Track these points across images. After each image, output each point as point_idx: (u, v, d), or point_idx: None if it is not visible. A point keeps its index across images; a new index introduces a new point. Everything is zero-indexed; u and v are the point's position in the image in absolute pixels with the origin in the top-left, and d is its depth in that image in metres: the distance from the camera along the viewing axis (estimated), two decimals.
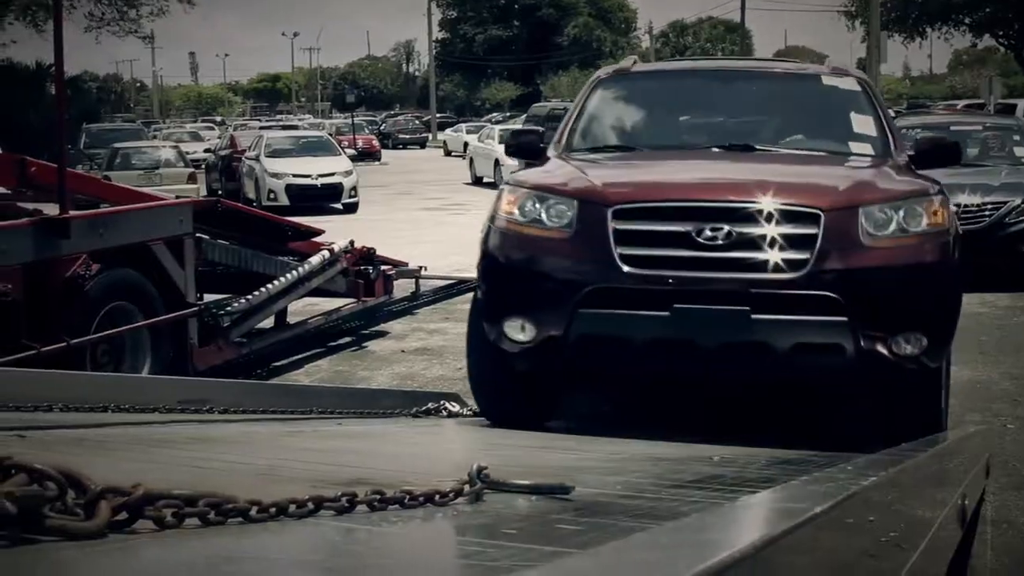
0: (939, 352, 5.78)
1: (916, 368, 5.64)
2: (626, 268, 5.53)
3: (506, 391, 6.28)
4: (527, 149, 7.09)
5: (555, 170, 6.47)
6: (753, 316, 5.41)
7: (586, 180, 6.06)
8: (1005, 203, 13.80)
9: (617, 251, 5.55)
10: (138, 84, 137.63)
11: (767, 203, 5.56)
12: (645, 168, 6.80)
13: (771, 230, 5.49)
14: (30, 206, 8.30)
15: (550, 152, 6.95)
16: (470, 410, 6.32)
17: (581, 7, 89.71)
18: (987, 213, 13.71)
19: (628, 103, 7.74)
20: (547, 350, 5.75)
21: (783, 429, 6.48)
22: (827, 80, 7.49)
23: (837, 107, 7.32)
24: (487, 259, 6.08)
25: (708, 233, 5.46)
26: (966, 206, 13.41)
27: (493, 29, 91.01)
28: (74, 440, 3.31)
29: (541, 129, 7.49)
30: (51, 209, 7.65)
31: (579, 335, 5.64)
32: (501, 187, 6.35)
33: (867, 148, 6.82)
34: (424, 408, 6.21)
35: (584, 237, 5.70)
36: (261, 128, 45.81)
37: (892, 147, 6.83)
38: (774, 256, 5.46)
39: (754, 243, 5.49)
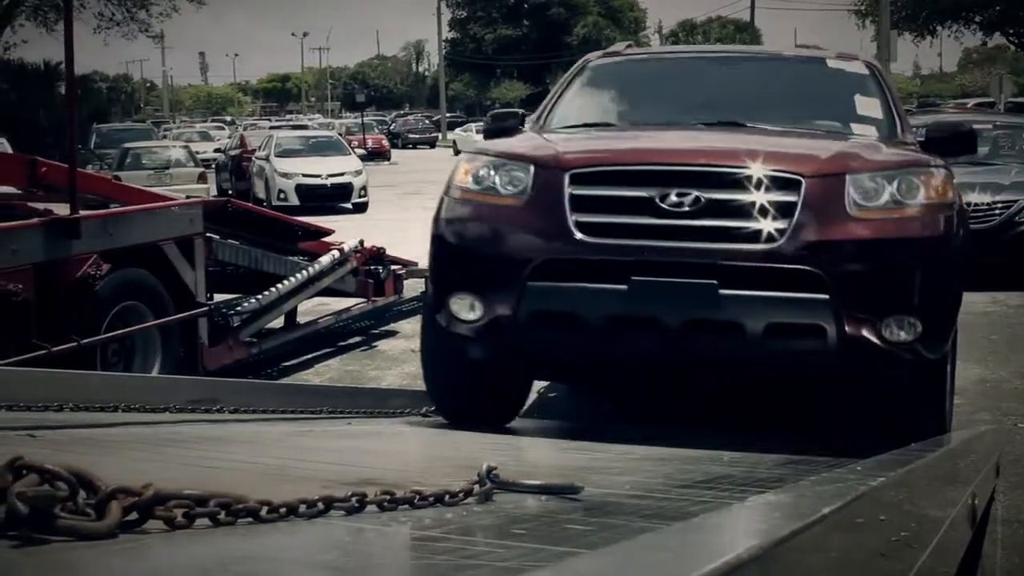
0: (937, 341, 5.17)
1: (912, 359, 5.06)
2: (580, 236, 5.02)
3: (462, 385, 5.78)
4: (507, 132, 6.53)
5: (520, 140, 6.10)
6: (721, 291, 4.88)
7: (549, 147, 5.63)
8: (1015, 202, 13.78)
9: (572, 218, 5.06)
10: (148, 84, 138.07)
11: (742, 168, 5.07)
12: (615, 137, 6.38)
13: (745, 196, 4.98)
14: (41, 206, 8.32)
15: (525, 129, 6.60)
16: None
17: (591, 6, 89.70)
18: (997, 212, 13.70)
19: (615, 83, 7.32)
20: (498, 331, 5.23)
21: (785, 430, 6.44)
22: (832, 63, 7.07)
23: (841, 89, 6.88)
24: (437, 233, 5.57)
25: (673, 199, 4.95)
26: (976, 205, 13.39)
27: (503, 29, 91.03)
28: (85, 440, 3.32)
29: (522, 111, 7.09)
30: (62, 209, 7.67)
31: (530, 312, 5.14)
32: (459, 158, 5.92)
33: (871, 130, 6.35)
34: (434, 408, 6.21)
35: (538, 205, 5.21)
36: (271, 128, 45.88)
37: (899, 130, 6.40)
38: (746, 225, 4.94)
39: (724, 210, 4.97)
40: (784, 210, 4.95)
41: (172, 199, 9.75)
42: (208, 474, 2.78)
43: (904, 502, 2.35)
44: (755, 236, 4.92)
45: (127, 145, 29.62)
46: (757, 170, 5.03)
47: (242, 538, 1.77)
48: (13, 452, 1.67)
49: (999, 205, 13.73)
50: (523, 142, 6.01)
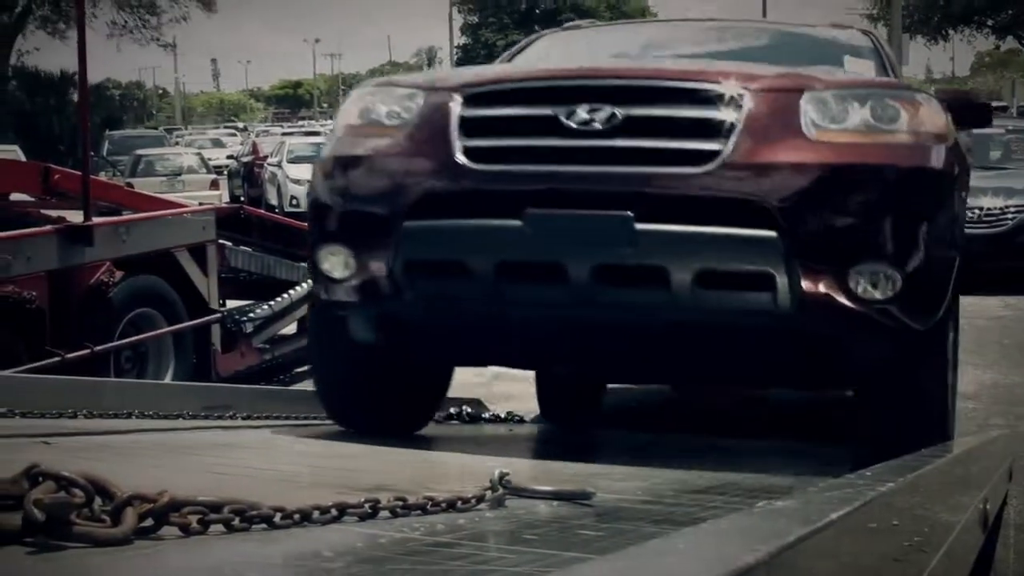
0: (923, 305, 4.00)
1: (892, 326, 3.90)
2: (464, 161, 4.01)
3: (350, 379, 4.70)
4: None
5: (425, 73, 5.40)
6: (637, 226, 3.79)
7: (450, 75, 4.84)
8: None
9: (460, 144, 4.05)
10: (160, 91, 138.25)
11: (670, 81, 4.12)
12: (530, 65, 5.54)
13: (672, 111, 3.98)
14: (54, 213, 8.36)
15: None
16: (492, 415, 6.32)
17: (602, 12, 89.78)
18: (1009, 216, 13.68)
19: (569, 48, 6.35)
20: (374, 293, 4.19)
21: (793, 435, 6.42)
22: (823, 33, 6.35)
23: (829, 52, 5.91)
24: (313, 180, 4.56)
25: (582, 115, 3.94)
26: (988, 209, 13.41)
27: (514, 34, 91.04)
28: (100, 447, 3.33)
29: None
30: (75, 216, 7.70)
31: (406, 262, 4.08)
32: (349, 95, 4.87)
33: None
34: (446, 413, 6.21)
35: (423, 132, 4.20)
36: (283, 134, 45.95)
37: None
38: (673, 144, 3.90)
39: (646, 128, 3.94)
40: (722, 128, 3.92)
41: (185, 206, 9.78)
42: (222, 480, 2.80)
43: (915, 507, 2.35)
44: (683, 158, 3.89)
45: (139, 152, 29.76)
46: (689, 83, 4.08)
47: (256, 544, 1.78)
48: (29, 459, 1.69)
49: (1011, 209, 13.71)
50: (427, 73, 5.30)
